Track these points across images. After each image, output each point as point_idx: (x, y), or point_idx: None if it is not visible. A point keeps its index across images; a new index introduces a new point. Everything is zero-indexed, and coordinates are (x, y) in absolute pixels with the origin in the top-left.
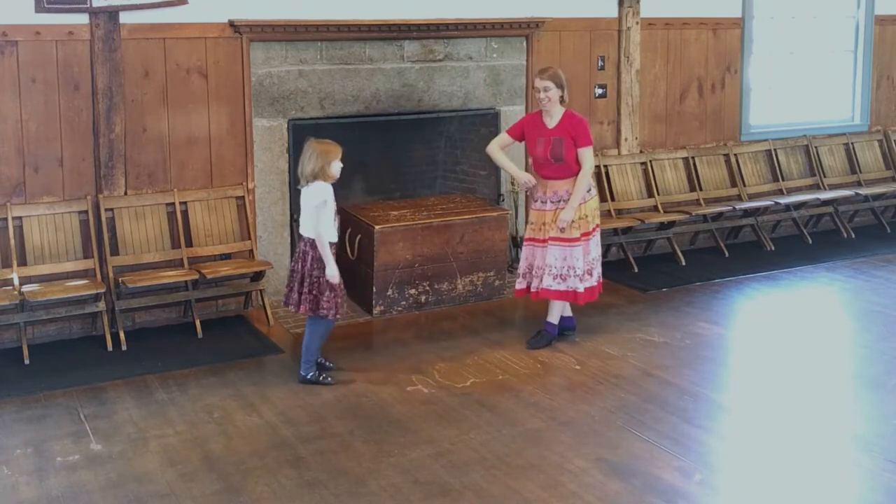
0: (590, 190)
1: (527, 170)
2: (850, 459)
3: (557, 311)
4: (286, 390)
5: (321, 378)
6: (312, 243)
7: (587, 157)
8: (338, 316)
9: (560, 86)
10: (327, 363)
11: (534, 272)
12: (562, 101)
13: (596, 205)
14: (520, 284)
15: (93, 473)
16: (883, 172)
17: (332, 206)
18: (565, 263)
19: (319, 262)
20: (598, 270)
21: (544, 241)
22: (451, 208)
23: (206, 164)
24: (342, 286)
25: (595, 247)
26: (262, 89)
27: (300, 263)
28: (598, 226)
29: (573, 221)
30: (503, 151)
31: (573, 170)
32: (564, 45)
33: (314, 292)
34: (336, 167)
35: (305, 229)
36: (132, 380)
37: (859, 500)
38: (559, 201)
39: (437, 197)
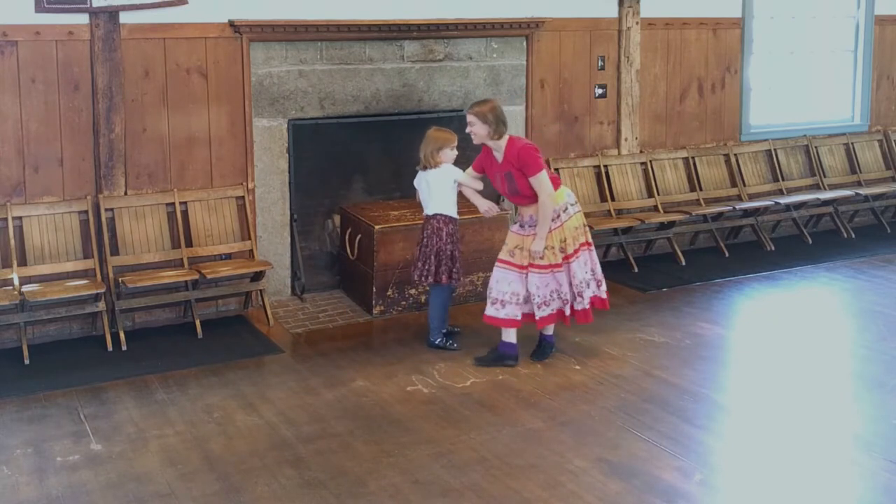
0: (566, 210)
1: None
2: (850, 459)
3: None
4: (286, 390)
5: (447, 344)
6: (445, 219)
7: (539, 184)
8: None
9: (486, 122)
10: (455, 329)
11: (520, 299)
12: (494, 136)
13: (577, 223)
14: (513, 312)
15: (93, 473)
16: (883, 172)
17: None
18: (548, 289)
19: (452, 237)
20: (588, 291)
21: (521, 266)
22: None
23: (206, 164)
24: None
25: (581, 269)
26: (262, 89)
27: (434, 239)
28: (583, 245)
29: (548, 248)
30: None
31: (535, 197)
32: (564, 45)
33: (448, 264)
34: (445, 154)
35: (437, 207)
36: (132, 380)
37: (859, 500)
38: (534, 225)
39: None
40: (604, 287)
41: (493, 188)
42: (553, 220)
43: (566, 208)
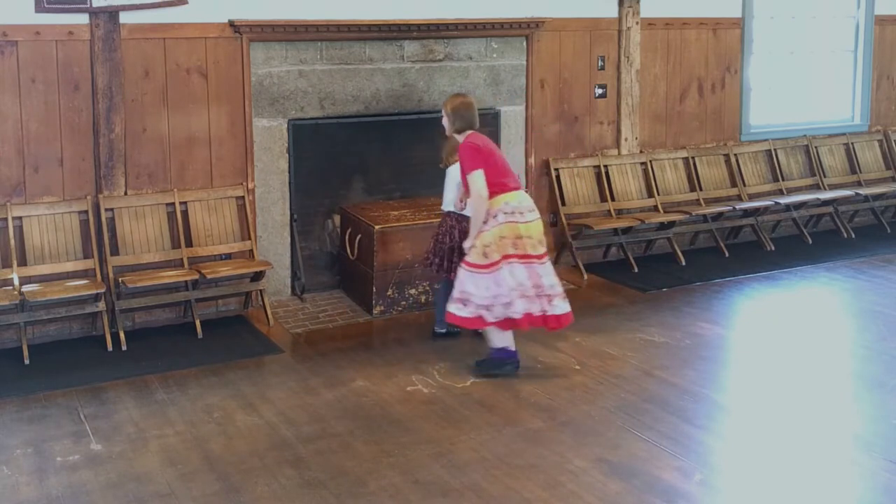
0: (496, 216)
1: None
2: (850, 459)
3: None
4: (286, 390)
5: (453, 329)
6: (457, 217)
7: (470, 182)
8: None
9: (447, 116)
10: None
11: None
12: (452, 130)
13: (506, 233)
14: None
15: (93, 473)
16: (883, 172)
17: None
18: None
19: (464, 236)
20: (521, 303)
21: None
22: None
23: (206, 164)
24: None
25: (510, 279)
26: (262, 89)
27: (448, 237)
28: (512, 256)
29: (475, 247)
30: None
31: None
32: (564, 45)
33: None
34: None
35: (448, 204)
36: (132, 380)
37: (859, 500)
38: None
39: (437, 197)
40: (556, 302)
41: None
42: (483, 221)
43: (497, 215)
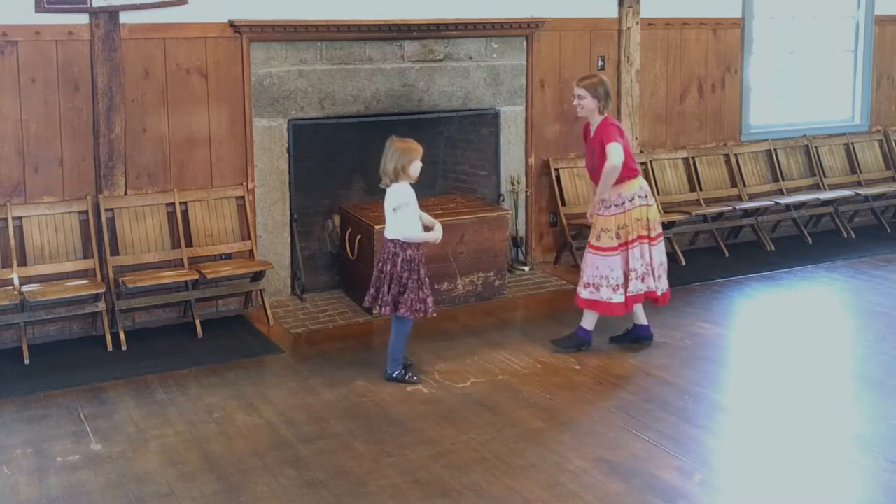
0: (632, 199)
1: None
2: (850, 459)
3: (592, 318)
4: (286, 390)
5: (407, 376)
6: (402, 244)
7: (611, 151)
8: (428, 314)
9: (596, 96)
10: (408, 360)
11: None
12: (600, 111)
13: (641, 216)
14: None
15: (93, 473)
16: (883, 172)
17: (413, 205)
18: (598, 273)
19: (409, 264)
20: (633, 284)
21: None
22: (451, 208)
23: (206, 164)
24: (427, 286)
25: (635, 260)
26: (262, 89)
27: (389, 265)
28: (641, 238)
29: (605, 231)
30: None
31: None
32: (564, 45)
33: (404, 293)
34: (416, 167)
35: (390, 231)
36: (132, 380)
37: (859, 499)
38: (612, 204)
39: (437, 197)
40: (649, 282)
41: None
42: (617, 205)
43: (633, 198)
